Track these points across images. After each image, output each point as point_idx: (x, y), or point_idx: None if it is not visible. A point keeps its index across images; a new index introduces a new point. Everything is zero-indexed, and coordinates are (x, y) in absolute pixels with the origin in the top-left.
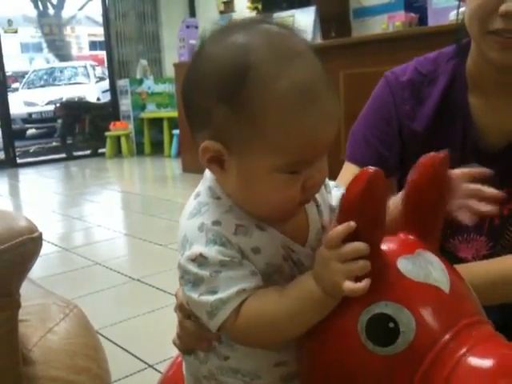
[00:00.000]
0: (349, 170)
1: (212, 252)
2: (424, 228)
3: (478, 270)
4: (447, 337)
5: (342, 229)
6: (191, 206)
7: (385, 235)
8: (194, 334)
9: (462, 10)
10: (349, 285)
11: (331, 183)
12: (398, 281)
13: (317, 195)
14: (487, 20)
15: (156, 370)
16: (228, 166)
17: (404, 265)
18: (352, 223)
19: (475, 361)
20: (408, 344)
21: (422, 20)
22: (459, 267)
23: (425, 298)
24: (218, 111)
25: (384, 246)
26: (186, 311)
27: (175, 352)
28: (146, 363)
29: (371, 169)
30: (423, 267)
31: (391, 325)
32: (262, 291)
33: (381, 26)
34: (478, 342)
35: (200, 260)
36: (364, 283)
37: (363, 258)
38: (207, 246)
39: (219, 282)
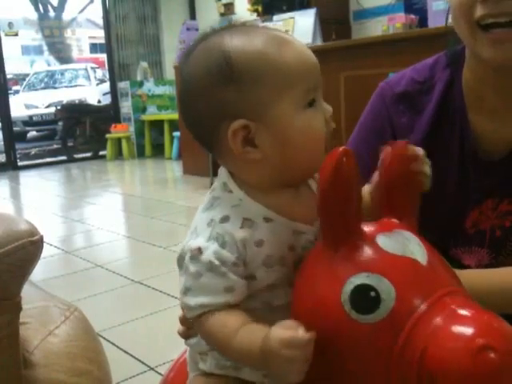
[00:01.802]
0: None
1: (208, 250)
2: (400, 210)
3: (477, 277)
4: (425, 305)
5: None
6: (206, 199)
7: (361, 212)
8: None
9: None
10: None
11: None
12: (377, 254)
13: None
14: (470, 10)
15: (157, 372)
16: (259, 138)
17: (382, 240)
18: (307, 336)
19: (450, 327)
20: (389, 311)
21: (422, 22)
22: (459, 272)
23: (403, 269)
24: (226, 95)
25: (364, 227)
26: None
27: (176, 354)
28: (147, 366)
29: (341, 147)
30: (400, 242)
31: (373, 294)
32: (226, 316)
33: (381, 28)
34: (453, 309)
35: (195, 253)
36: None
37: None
38: (208, 241)
39: (195, 285)
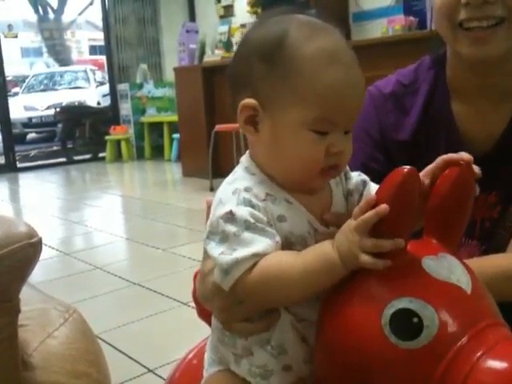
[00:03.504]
0: None
1: (241, 211)
2: (445, 233)
3: (490, 266)
4: (467, 336)
5: (370, 201)
6: (229, 178)
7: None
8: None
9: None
10: (365, 258)
11: (353, 172)
12: (422, 278)
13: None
14: (453, 14)
15: (156, 374)
16: (261, 126)
17: (428, 264)
18: (385, 205)
19: (492, 362)
20: (431, 339)
21: (422, 24)
22: (469, 261)
23: (448, 297)
24: (257, 70)
25: (410, 247)
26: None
27: (175, 356)
28: (146, 368)
29: (405, 168)
30: (446, 268)
31: (415, 320)
32: (280, 251)
33: (380, 29)
34: (495, 343)
35: (228, 216)
36: (383, 262)
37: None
38: (238, 205)
39: (240, 241)
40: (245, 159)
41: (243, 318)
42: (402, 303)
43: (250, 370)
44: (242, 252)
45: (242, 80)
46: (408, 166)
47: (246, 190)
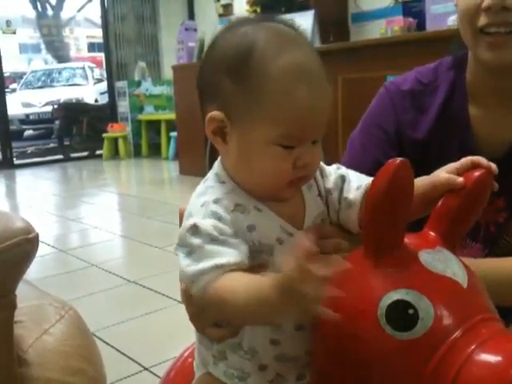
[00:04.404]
0: None
1: (205, 224)
2: (449, 229)
3: (491, 267)
4: (461, 330)
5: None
6: (199, 188)
7: (406, 226)
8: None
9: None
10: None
11: (331, 167)
12: (419, 271)
13: (317, 182)
14: (475, 19)
15: (152, 372)
16: (229, 138)
17: (425, 257)
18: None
19: (485, 356)
20: (426, 331)
21: (421, 25)
22: (471, 261)
23: (444, 290)
24: (224, 84)
25: (407, 240)
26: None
27: (171, 354)
28: (141, 366)
29: (398, 160)
30: (443, 261)
31: (411, 311)
32: (240, 274)
33: (379, 30)
34: (488, 337)
35: (194, 229)
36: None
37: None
38: (204, 218)
39: (204, 253)
40: (217, 165)
41: (212, 323)
42: (398, 295)
43: (227, 371)
44: (205, 264)
45: (210, 92)
46: (400, 158)
47: (215, 201)
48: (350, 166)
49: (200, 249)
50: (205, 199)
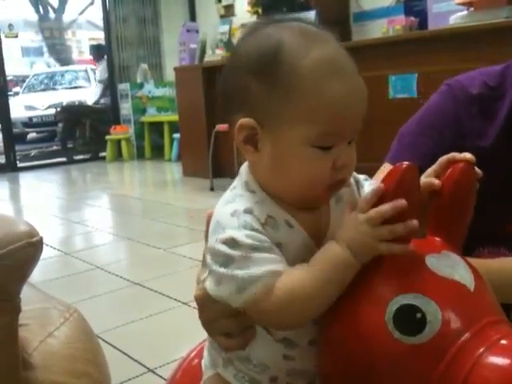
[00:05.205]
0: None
1: (243, 236)
2: (448, 231)
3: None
4: (469, 333)
5: (373, 195)
6: (226, 195)
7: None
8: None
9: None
10: (385, 246)
11: (361, 177)
12: (426, 275)
13: (347, 192)
14: None
15: (156, 374)
16: (261, 145)
17: (431, 262)
18: (403, 201)
19: (494, 359)
20: (434, 334)
21: (422, 24)
22: (477, 262)
23: (451, 294)
24: (253, 87)
25: (412, 245)
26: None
27: (175, 356)
28: (146, 367)
29: (405, 163)
30: (449, 265)
31: (419, 315)
32: (288, 269)
33: (381, 30)
34: (497, 340)
35: (231, 243)
36: (404, 246)
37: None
38: (239, 230)
39: (251, 261)
40: (244, 172)
41: (223, 332)
42: (406, 299)
43: (237, 375)
44: (259, 268)
45: (237, 98)
46: (407, 162)
47: (246, 211)
48: (395, 162)
49: (244, 259)
50: (234, 208)
